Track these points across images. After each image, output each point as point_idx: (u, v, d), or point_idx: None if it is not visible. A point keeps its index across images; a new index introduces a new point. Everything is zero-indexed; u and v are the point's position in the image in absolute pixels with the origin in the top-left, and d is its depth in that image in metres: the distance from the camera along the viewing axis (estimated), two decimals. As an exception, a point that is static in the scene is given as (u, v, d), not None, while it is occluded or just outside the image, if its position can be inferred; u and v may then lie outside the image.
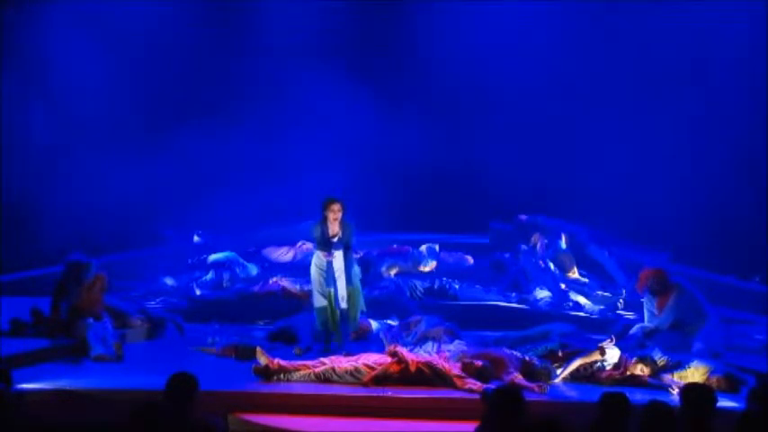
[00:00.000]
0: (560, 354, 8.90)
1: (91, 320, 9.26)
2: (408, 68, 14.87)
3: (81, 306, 9.56)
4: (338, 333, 9.52)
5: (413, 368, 8.25)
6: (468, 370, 8.32)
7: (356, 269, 9.70)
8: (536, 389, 8.05)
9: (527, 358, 8.66)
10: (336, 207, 9.46)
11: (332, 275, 9.47)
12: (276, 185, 14.54)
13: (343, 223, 9.53)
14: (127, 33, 14.01)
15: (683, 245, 12.91)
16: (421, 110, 14.98)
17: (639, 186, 14.04)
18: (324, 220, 9.53)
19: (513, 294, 11.85)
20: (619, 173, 14.07)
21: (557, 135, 14.47)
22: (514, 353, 8.75)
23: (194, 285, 12.19)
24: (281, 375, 8.35)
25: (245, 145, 14.34)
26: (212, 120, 14.29)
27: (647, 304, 9.86)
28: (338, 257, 9.48)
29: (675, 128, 13.86)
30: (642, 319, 9.98)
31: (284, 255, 13.42)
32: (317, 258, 9.59)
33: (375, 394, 8.02)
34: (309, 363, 8.52)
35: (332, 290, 9.48)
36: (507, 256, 12.76)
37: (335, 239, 9.50)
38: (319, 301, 9.56)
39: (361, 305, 9.73)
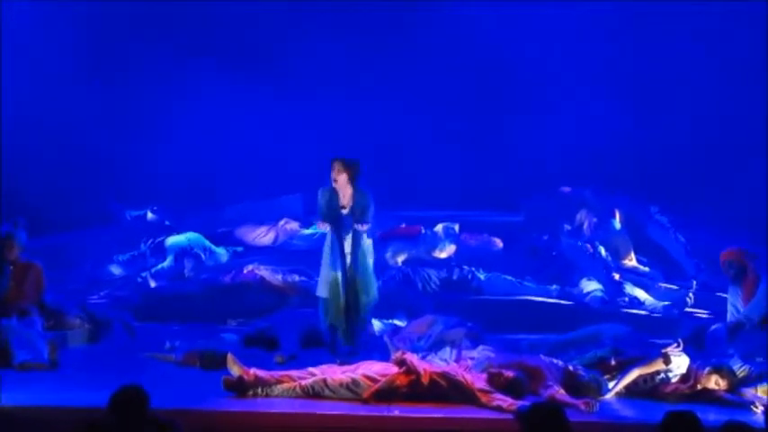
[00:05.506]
0: (613, 362, 8.89)
1: (14, 319, 9.29)
2: (427, 29, 15.19)
3: (7, 299, 9.60)
4: (345, 332, 9.56)
5: (425, 380, 8.23)
6: (496, 383, 8.30)
7: (367, 246, 9.61)
8: (582, 406, 8.03)
9: (571, 368, 8.67)
10: (337, 166, 9.46)
11: (338, 255, 9.47)
12: (257, 151, 14.72)
13: (357, 192, 9.53)
14: None
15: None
16: (440, 64, 15.24)
17: (714, 156, 14.11)
18: (333, 187, 9.56)
19: (554, 287, 11.94)
20: (692, 140, 14.15)
21: (612, 91, 14.52)
22: (555, 361, 8.77)
23: (148, 275, 12.28)
24: (259, 389, 8.32)
25: (224, 104, 14.63)
26: (181, 72, 14.55)
27: (731, 298, 9.95)
28: (349, 236, 9.51)
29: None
30: (720, 318, 10.09)
31: (263, 236, 13.47)
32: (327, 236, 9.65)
33: (378, 413, 7.97)
34: (294, 373, 8.50)
35: (338, 274, 9.49)
36: (546, 238, 12.86)
37: (345, 211, 9.51)
38: (322, 291, 9.60)
39: (373, 295, 9.67)
